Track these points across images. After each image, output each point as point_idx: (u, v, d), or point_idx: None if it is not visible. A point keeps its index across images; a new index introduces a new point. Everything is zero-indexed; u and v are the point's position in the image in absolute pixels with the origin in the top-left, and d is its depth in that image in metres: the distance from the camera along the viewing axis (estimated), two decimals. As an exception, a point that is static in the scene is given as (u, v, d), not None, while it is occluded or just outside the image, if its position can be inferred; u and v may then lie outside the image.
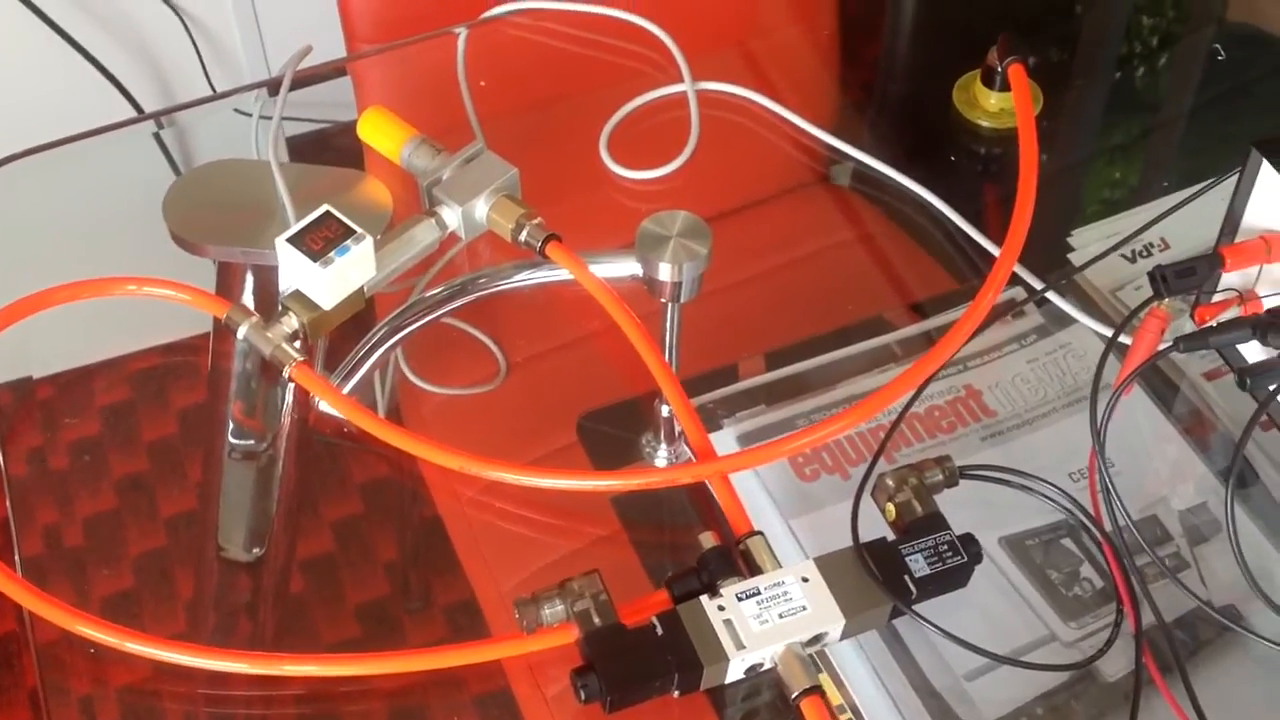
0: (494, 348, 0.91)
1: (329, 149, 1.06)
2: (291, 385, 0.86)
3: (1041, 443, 0.84)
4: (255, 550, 0.83)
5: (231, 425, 0.89)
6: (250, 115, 1.04)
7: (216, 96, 1.49)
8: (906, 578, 0.72)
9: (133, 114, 1.55)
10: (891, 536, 0.74)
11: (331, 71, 1.11)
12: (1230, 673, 0.75)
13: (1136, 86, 1.11)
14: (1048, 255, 0.93)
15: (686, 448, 0.83)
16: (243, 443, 0.88)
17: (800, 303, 0.94)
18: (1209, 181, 0.87)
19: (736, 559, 0.73)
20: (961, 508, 0.75)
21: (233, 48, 1.63)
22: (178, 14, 1.57)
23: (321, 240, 0.78)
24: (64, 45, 1.51)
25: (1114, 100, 1.11)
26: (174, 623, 0.79)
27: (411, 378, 0.91)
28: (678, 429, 0.84)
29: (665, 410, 0.84)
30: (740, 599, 0.70)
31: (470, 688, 0.76)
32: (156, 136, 1.08)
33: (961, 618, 0.72)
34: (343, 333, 0.86)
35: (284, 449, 0.87)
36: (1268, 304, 0.78)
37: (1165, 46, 1.14)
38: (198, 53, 1.61)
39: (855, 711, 0.73)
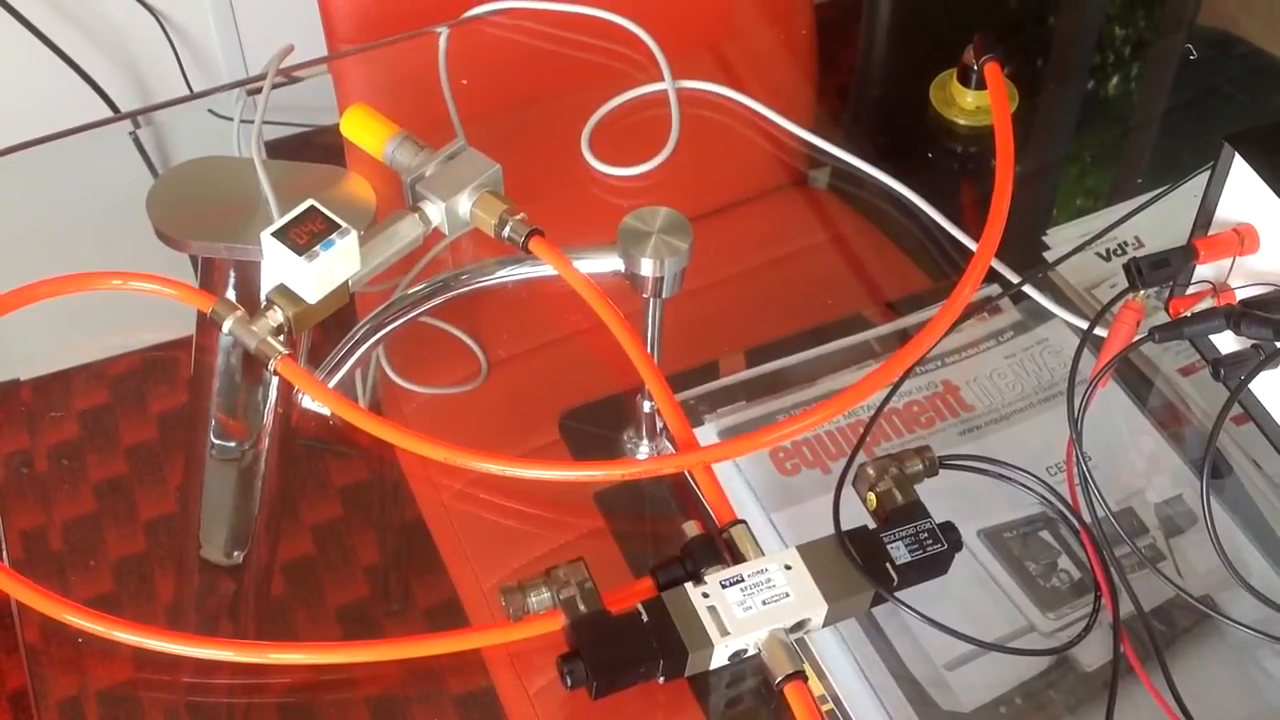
0: (474, 346, 0.91)
1: (310, 147, 1.06)
2: (275, 382, 0.87)
3: (1018, 437, 0.85)
4: (236, 553, 0.82)
5: (214, 425, 0.88)
6: (226, 118, 1.03)
7: (194, 96, 1.48)
8: (888, 565, 0.72)
9: (109, 114, 1.54)
10: (873, 526, 0.75)
11: (312, 71, 1.11)
12: (1206, 661, 0.75)
13: (1109, 90, 1.12)
14: (1023, 255, 0.94)
15: (668, 443, 0.84)
16: (225, 443, 0.88)
17: (780, 300, 0.94)
18: (1183, 178, 0.88)
19: (720, 547, 0.74)
20: (939, 500, 0.76)
21: (210, 48, 1.63)
22: (154, 14, 1.57)
23: (306, 234, 0.78)
24: (39, 44, 1.50)
25: (1087, 103, 1.12)
26: (155, 625, 0.78)
27: (393, 377, 0.91)
28: (659, 424, 0.84)
29: (647, 406, 0.84)
30: (724, 586, 0.71)
31: (452, 683, 0.76)
32: (133, 136, 1.08)
33: (941, 609, 0.73)
34: (324, 331, 0.86)
35: (267, 449, 0.87)
36: (1241, 295, 0.79)
37: (1138, 53, 1.15)
38: (175, 53, 1.60)
39: (836, 701, 0.73)
